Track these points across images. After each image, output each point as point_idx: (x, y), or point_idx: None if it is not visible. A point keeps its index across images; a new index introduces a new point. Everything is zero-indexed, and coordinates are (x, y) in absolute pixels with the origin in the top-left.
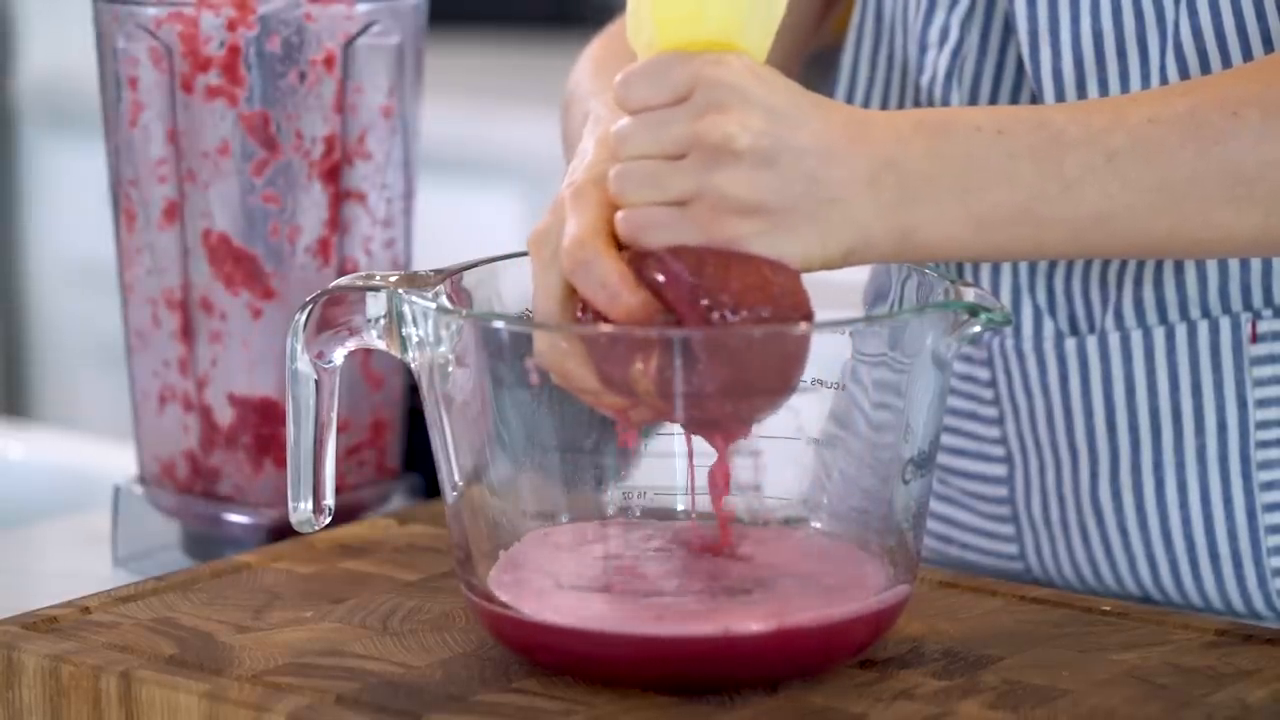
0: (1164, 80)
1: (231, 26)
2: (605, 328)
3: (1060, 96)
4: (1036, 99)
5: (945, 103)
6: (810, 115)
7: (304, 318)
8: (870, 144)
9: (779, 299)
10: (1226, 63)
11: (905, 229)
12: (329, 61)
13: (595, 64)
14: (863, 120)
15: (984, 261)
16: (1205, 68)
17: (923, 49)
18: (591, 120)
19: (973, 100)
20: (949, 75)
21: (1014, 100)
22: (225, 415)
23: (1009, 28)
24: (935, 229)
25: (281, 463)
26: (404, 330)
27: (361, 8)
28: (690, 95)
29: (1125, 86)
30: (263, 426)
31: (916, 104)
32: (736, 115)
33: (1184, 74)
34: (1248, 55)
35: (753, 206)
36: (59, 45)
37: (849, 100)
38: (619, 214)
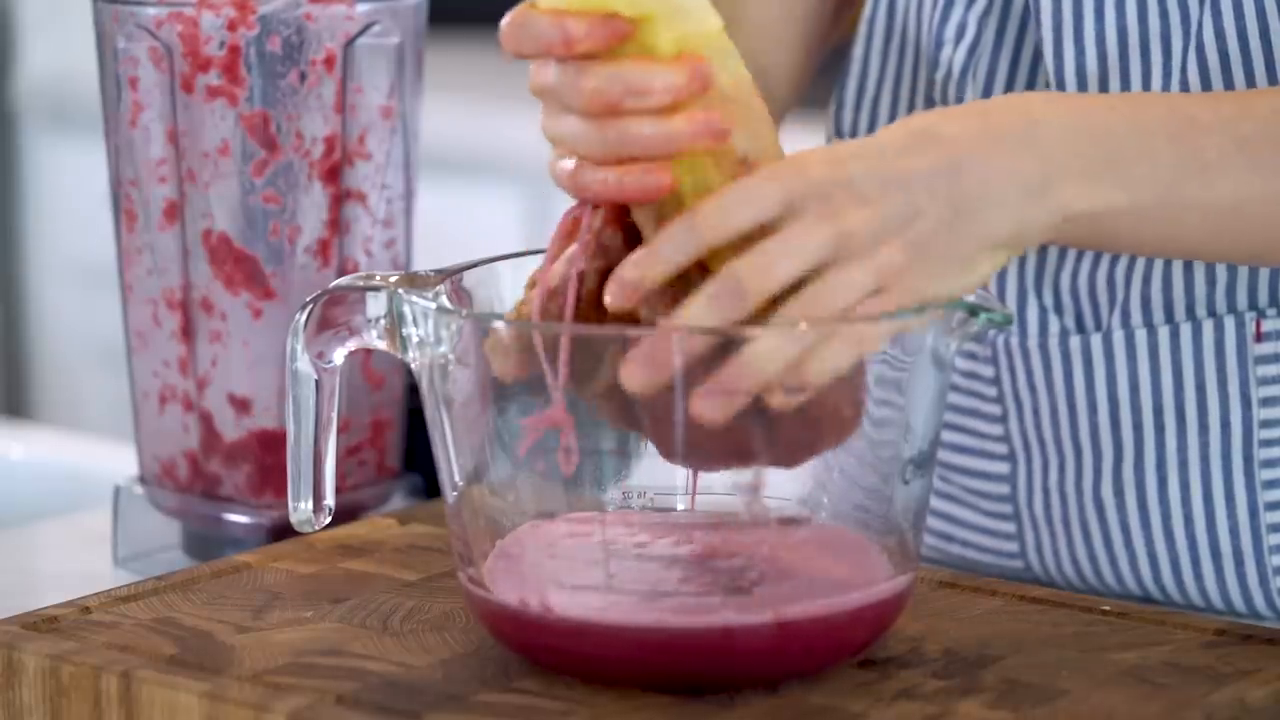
0: (1184, 80)
1: (231, 26)
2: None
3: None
4: None
5: (960, 98)
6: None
7: (304, 318)
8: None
9: None
10: (1248, 65)
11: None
12: (329, 61)
13: None
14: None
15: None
16: (1226, 69)
17: (938, 45)
18: None
19: (987, 96)
20: (964, 71)
21: None
22: (226, 419)
23: (1025, 24)
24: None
25: (282, 489)
26: (404, 330)
27: (361, 8)
28: (801, 206)
29: (1147, 85)
30: (265, 456)
31: (929, 99)
32: (873, 208)
33: (1205, 74)
34: (1270, 58)
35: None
36: (59, 45)
37: (859, 94)
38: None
